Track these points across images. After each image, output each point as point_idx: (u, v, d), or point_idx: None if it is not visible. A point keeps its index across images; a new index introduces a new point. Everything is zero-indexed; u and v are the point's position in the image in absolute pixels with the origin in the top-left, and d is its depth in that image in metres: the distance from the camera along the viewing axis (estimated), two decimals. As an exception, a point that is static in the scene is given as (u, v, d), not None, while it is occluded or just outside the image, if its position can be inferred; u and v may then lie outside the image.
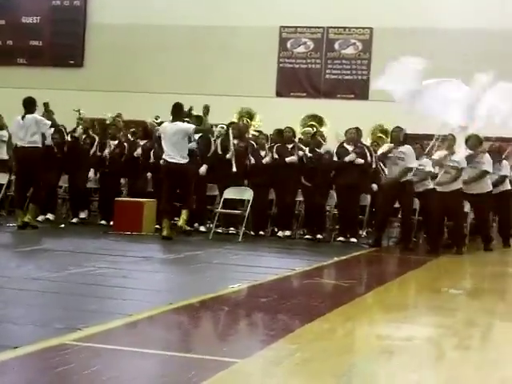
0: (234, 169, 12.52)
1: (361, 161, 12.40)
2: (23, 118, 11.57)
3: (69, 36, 20.56)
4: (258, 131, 13.47)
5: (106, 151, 13.15)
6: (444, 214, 11.83)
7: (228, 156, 12.64)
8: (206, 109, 11.51)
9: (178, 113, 11.44)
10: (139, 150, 13.07)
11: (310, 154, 12.65)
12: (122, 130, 13.68)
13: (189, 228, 11.20)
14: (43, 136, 11.81)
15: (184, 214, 11.34)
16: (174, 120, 11.41)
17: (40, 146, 11.59)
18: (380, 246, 11.99)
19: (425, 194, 12.22)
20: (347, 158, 12.39)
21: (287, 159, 12.70)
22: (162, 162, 11.54)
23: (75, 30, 20.59)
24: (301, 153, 12.73)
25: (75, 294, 6.42)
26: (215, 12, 19.38)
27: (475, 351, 5.34)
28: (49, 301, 6.17)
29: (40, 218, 12.56)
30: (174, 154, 11.27)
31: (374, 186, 12.62)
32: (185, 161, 11.31)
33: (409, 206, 12.01)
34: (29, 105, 11.68)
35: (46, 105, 12.31)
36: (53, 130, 12.25)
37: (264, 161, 12.80)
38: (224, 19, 19.27)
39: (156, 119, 13.41)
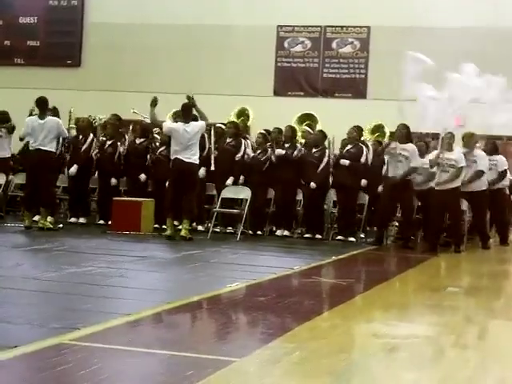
0: (213, 167, 12.46)
1: (345, 162, 12.39)
2: (41, 118, 11.47)
3: (66, 36, 20.52)
4: (266, 130, 13.42)
5: (93, 152, 13.14)
6: (443, 212, 11.82)
7: (204, 154, 12.54)
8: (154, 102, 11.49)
9: (190, 113, 11.40)
10: (121, 149, 13.10)
11: (296, 153, 12.63)
12: (119, 128, 13.66)
13: (190, 236, 11.20)
14: (59, 142, 11.87)
15: (186, 223, 11.26)
16: (186, 121, 11.34)
17: (54, 151, 11.52)
18: (381, 244, 11.98)
19: (425, 192, 12.23)
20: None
21: (276, 151, 12.67)
22: (172, 160, 11.43)
23: (72, 29, 20.56)
24: (296, 152, 12.76)
25: (73, 293, 6.41)
26: (213, 11, 19.37)
27: (473, 349, 5.34)
28: (47, 300, 6.17)
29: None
30: (190, 154, 11.19)
31: (364, 182, 12.58)
32: (197, 161, 11.31)
33: (409, 204, 12.00)
34: (44, 104, 11.55)
35: (55, 109, 12.16)
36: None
37: (273, 157, 12.75)
38: (222, 18, 19.26)
39: (133, 110, 13.50)
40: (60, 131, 11.60)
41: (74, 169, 12.92)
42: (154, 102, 11.45)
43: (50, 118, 11.48)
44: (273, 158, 12.73)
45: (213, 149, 12.60)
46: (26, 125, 11.62)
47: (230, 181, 12.65)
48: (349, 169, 12.39)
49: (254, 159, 12.86)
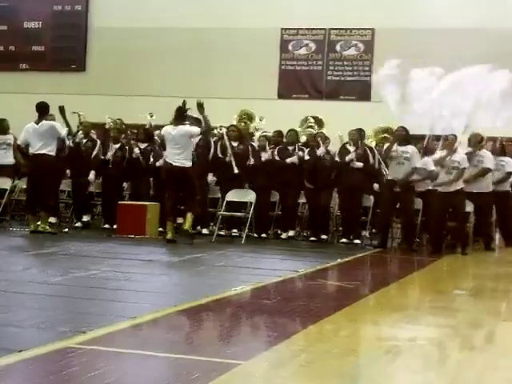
0: (236, 170, 12.52)
1: (359, 164, 12.37)
2: (37, 123, 11.49)
3: (70, 40, 20.59)
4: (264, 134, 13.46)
5: (109, 154, 13.15)
6: (445, 214, 11.76)
7: (227, 159, 12.64)
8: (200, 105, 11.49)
9: (181, 116, 11.43)
10: (137, 150, 13.07)
11: (307, 157, 12.65)
12: (123, 133, 13.69)
13: (193, 231, 11.22)
14: (62, 142, 11.88)
15: (189, 217, 11.30)
16: (177, 123, 11.38)
17: (53, 154, 11.52)
18: (385, 248, 11.94)
19: (426, 193, 12.20)
20: (347, 158, 12.38)
21: (287, 160, 12.71)
22: (162, 164, 11.58)
23: (77, 34, 20.62)
24: (300, 153, 12.74)
25: (79, 297, 6.44)
26: (217, 14, 19.40)
27: (479, 352, 5.33)
28: (53, 304, 6.19)
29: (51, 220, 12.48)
30: (179, 157, 11.25)
31: (376, 186, 12.58)
32: (189, 164, 11.31)
33: (409, 206, 11.92)
34: (42, 109, 11.60)
35: (61, 109, 12.12)
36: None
37: (263, 158, 12.79)
38: (225, 21, 19.29)
39: (151, 116, 13.48)
40: (57, 132, 11.50)
41: (92, 175, 13.00)
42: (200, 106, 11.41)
43: (44, 122, 11.52)
44: (265, 157, 12.74)
45: (230, 152, 12.65)
46: (25, 131, 11.68)
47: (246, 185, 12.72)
48: (362, 171, 12.36)
49: (257, 162, 12.87)
